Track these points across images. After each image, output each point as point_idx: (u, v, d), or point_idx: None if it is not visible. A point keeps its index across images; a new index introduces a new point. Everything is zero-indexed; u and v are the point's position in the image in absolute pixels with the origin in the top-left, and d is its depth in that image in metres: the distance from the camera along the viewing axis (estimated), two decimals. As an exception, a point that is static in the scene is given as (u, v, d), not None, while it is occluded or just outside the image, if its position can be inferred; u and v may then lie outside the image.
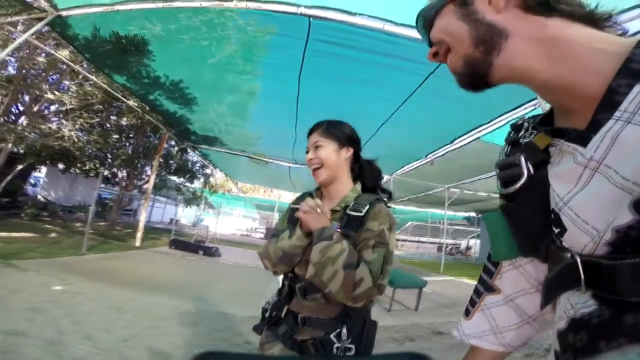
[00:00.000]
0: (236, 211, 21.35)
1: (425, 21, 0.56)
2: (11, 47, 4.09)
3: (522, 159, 0.50)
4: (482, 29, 0.47)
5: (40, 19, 3.86)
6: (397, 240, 25.54)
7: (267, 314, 1.11)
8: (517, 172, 0.50)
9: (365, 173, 1.20)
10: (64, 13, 3.86)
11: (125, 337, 2.80)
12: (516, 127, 0.60)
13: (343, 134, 1.14)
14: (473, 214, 19.23)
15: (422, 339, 3.89)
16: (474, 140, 6.42)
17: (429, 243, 26.30)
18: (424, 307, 5.33)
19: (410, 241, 28.81)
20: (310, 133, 1.15)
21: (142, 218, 8.44)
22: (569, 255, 0.44)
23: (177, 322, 3.37)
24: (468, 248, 26.59)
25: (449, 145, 6.97)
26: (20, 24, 4.54)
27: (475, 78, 0.50)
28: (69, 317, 3.00)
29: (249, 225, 21.40)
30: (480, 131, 6.02)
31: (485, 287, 0.67)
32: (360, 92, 4.89)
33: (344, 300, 0.91)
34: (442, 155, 7.48)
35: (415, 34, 3.54)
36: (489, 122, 5.62)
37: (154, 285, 4.81)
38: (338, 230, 1.01)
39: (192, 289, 4.90)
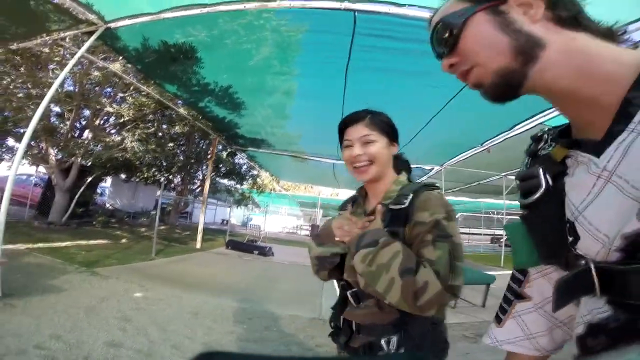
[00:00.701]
0: (281, 209, 21.84)
1: (450, 29, 0.51)
2: (72, 61, 4.17)
3: (541, 170, 0.51)
4: (523, 39, 0.46)
5: (90, 33, 4.00)
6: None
7: (331, 324, 1.05)
8: (536, 184, 0.51)
9: (398, 165, 1.07)
10: (112, 25, 3.96)
11: (207, 343, 2.95)
12: (536, 139, 0.61)
13: (391, 128, 1.01)
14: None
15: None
16: (537, 125, 5.95)
17: (486, 234, 24.97)
18: (490, 303, 5.06)
19: (461, 233, 27.36)
20: (348, 125, 1.00)
21: (201, 221, 8.90)
22: (583, 262, 0.46)
23: (251, 327, 3.48)
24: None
25: (508, 132, 6.55)
26: (67, 39, 4.71)
27: (507, 90, 0.49)
28: (154, 325, 3.20)
29: (294, 222, 21.80)
30: (544, 115, 5.55)
31: (515, 295, 0.68)
32: (409, 84, 4.70)
33: (409, 310, 0.78)
34: (499, 142, 7.06)
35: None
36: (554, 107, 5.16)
37: (222, 288, 5.04)
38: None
39: (256, 291, 5.07)
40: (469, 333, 3.76)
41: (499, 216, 22.18)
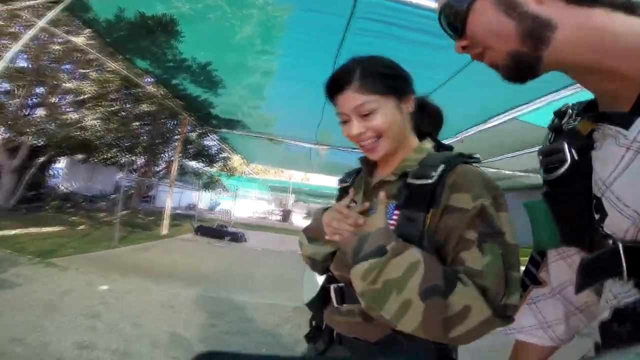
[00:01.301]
0: (251, 194, 21.36)
1: (455, 14, 0.50)
2: (30, 33, 3.75)
3: (565, 144, 0.49)
4: (529, 22, 0.44)
5: (57, 2, 3.56)
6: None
7: (312, 323, 0.88)
8: (561, 158, 0.49)
9: (423, 117, 0.82)
10: None
11: (187, 338, 2.77)
12: (559, 114, 0.59)
13: (395, 79, 0.72)
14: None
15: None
16: (510, 119, 6.23)
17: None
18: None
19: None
20: (336, 90, 0.71)
21: (168, 205, 8.41)
22: (610, 242, 0.43)
23: (235, 318, 3.34)
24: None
25: (482, 125, 6.80)
26: (26, 10, 4.17)
27: (522, 72, 0.48)
28: (126, 321, 2.95)
29: (265, 207, 21.44)
30: (518, 110, 5.82)
31: (532, 279, 0.65)
32: (399, 72, 4.66)
33: (434, 339, 0.57)
34: (473, 134, 7.32)
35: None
36: (528, 102, 5.42)
37: (195, 277, 4.79)
38: (395, 214, 0.65)
39: (232, 280, 4.91)
40: None
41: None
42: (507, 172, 11.32)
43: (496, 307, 0.54)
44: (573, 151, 0.48)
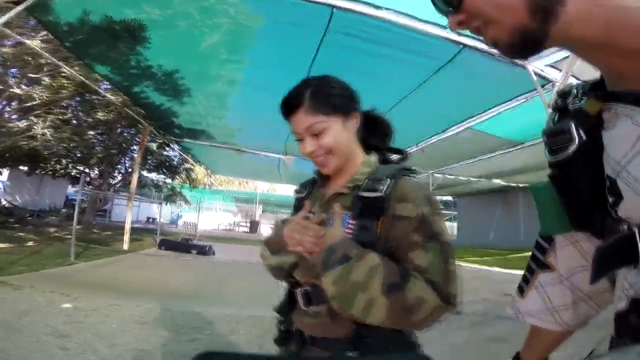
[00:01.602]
0: (215, 205, 20.73)
1: None
2: None
3: (572, 124, 0.47)
4: None
5: (16, 3, 3.37)
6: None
7: (281, 327, 0.89)
8: (568, 139, 0.47)
9: (373, 131, 0.89)
10: None
11: (170, 353, 2.67)
12: (563, 94, 0.56)
13: (341, 98, 0.80)
14: (449, 198, 20.08)
15: (446, 319, 4.04)
16: (465, 129, 6.69)
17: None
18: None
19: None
20: (289, 111, 0.78)
21: (129, 219, 7.94)
22: (625, 227, 0.41)
23: (215, 333, 3.25)
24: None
25: (440, 134, 7.23)
26: None
27: (527, 48, 0.45)
28: (100, 340, 2.78)
29: (230, 219, 20.86)
30: (473, 121, 6.28)
31: (538, 264, 0.63)
32: (367, 84, 4.81)
33: (398, 327, 0.68)
34: (433, 143, 7.76)
35: (434, 30, 3.59)
36: (482, 112, 5.87)
37: (165, 292, 4.59)
38: (350, 224, 0.73)
39: (206, 293, 4.76)
40: None
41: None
42: (462, 178, 12.15)
43: (443, 296, 0.64)
44: (581, 131, 0.46)
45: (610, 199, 0.43)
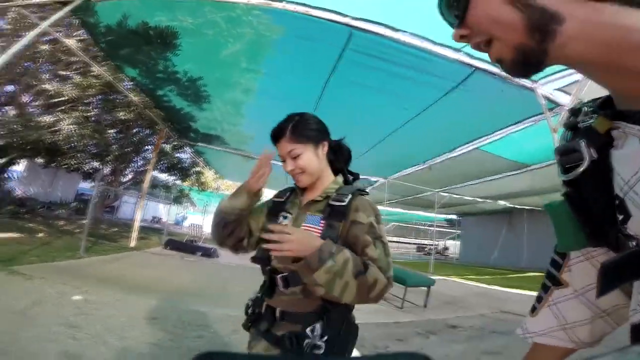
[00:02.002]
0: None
1: (455, 3, 0.48)
2: (33, 32, 3.52)
3: (583, 143, 0.48)
4: (536, 15, 0.42)
5: (63, 3, 3.52)
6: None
7: (249, 311, 1.07)
8: (578, 157, 0.48)
9: (337, 155, 1.17)
10: None
11: (178, 348, 2.76)
12: (574, 112, 0.55)
13: (315, 131, 1.07)
14: (454, 216, 20.02)
15: (442, 332, 4.14)
16: (473, 149, 6.78)
17: (413, 244, 26.94)
18: (430, 304, 5.57)
19: (392, 242, 29.46)
20: (276, 140, 1.07)
21: (138, 217, 8.11)
22: (634, 243, 0.43)
23: (219, 331, 3.33)
24: (445, 248, 27.63)
25: (449, 153, 7.33)
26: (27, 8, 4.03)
27: (527, 67, 0.46)
28: (110, 332, 2.87)
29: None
30: (481, 141, 6.38)
31: (553, 281, 0.63)
32: (381, 101, 5.03)
33: (360, 303, 0.90)
34: (441, 162, 7.86)
35: (448, 52, 3.76)
36: (490, 134, 5.97)
37: (172, 290, 4.70)
38: (321, 223, 0.98)
39: (211, 294, 4.86)
40: (420, 330, 4.12)
41: (426, 227, 24.38)
42: (468, 197, 12.19)
43: (387, 277, 0.89)
44: (592, 150, 0.47)
45: (620, 217, 0.44)
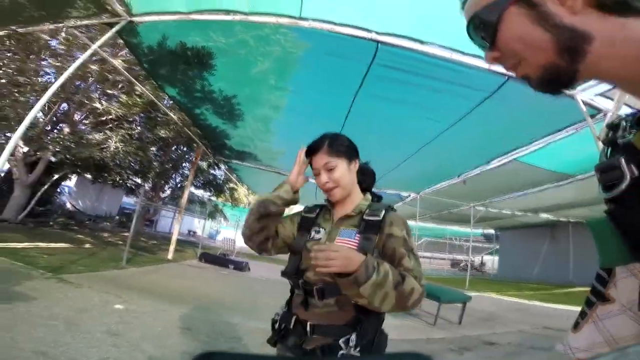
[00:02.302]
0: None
1: (485, 26, 0.48)
2: (86, 54, 3.81)
3: (622, 160, 0.47)
4: (566, 35, 0.42)
5: (109, 25, 3.78)
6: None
7: (276, 326, 1.07)
8: (619, 175, 0.47)
9: (365, 175, 1.22)
10: (137, 19, 3.78)
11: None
12: (612, 127, 0.55)
13: (348, 149, 1.13)
14: (491, 231, 19.08)
15: (478, 348, 3.94)
16: (510, 161, 6.49)
17: (448, 259, 25.93)
18: (465, 321, 5.32)
19: (424, 257, 28.45)
20: (313, 153, 1.12)
21: (176, 231, 8.50)
22: None
23: (250, 343, 3.38)
24: (482, 264, 26.27)
25: (484, 166, 7.06)
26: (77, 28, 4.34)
27: (557, 84, 0.47)
28: (147, 341, 2.99)
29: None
30: (518, 152, 6.10)
31: (598, 296, 0.62)
32: (410, 114, 4.97)
33: (399, 312, 0.94)
34: (476, 175, 7.58)
35: (478, 62, 3.68)
36: (528, 144, 5.70)
37: (206, 302, 4.83)
38: (357, 236, 1.02)
39: (242, 306, 4.93)
40: (453, 346, 3.93)
41: (460, 243, 23.38)
42: (506, 211, 11.60)
43: (421, 285, 0.94)
44: (632, 167, 0.46)
45: None
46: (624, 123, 0.53)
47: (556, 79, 0.45)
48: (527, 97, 4.02)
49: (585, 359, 0.62)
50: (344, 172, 1.09)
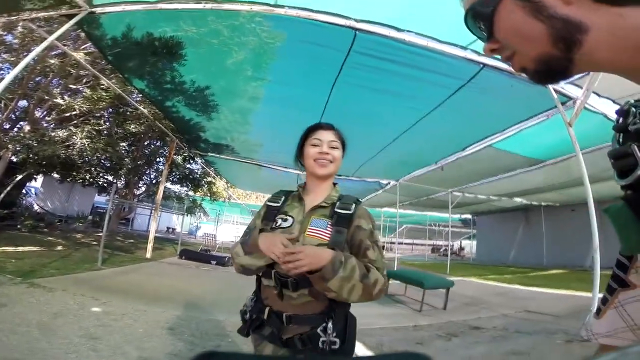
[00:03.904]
0: (233, 218, 21.11)
1: (480, 18, 0.49)
2: (41, 47, 3.63)
3: (635, 147, 0.47)
4: (559, 25, 0.42)
5: (68, 16, 3.58)
6: (392, 242, 25.91)
7: (247, 317, 1.09)
8: (632, 162, 0.48)
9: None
10: (98, 10, 3.61)
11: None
12: (622, 113, 0.55)
13: (345, 143, 1.24)
14: (468, 216, 19.70)
15: (464, 334, 4.03)
16: (485, 147, 6.67)
17: (429, 245, 26.62)
18: (450, 306, 5.45)
19: (406, 244, 29.12)
20: (320, 129, 1.20)
21: (153, 228, 8.24)
22: None
23: (238, 340, 3.30)
24: (461, 249, 27.20)
25: (460, 152, 7.22)
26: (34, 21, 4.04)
27: (554, 74, 0.47)
28: (129, 343, 2.88)
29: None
30: (493, 139, 6.27)
31: (619, 283, 0.62)
32: (389, 102, 5.00)
33: (365, 301, 0.99)
34: (452, 161, 7.76)
35: (455, 50, 3.72)
36: (502, 130, 5.86)
37: (188, 300, 4.71)
38: (329, 227, 1.07)
39: (226, 302, 4.83)
40: (441, 332, 4.02)
41: (440, 228, 24.04)
42: (482, 196, 11.98)
43: (384, 276, 1.02)
44: None
45: None
46: (633, 109, 0.53)
47: (552, 70, 0.45)
48: (501, 85, 4.12)
49: (608, 345, 0.62)
50: (340, 156, 1.20)
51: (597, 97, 4.14)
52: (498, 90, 4.31)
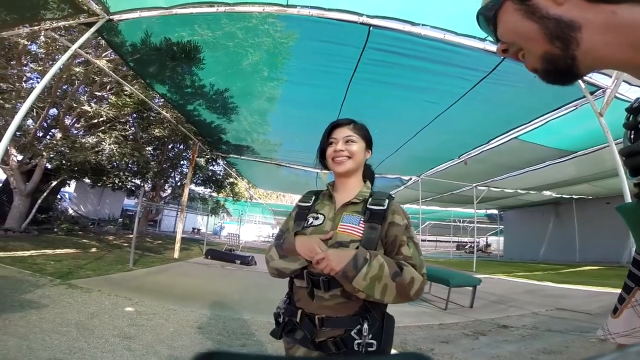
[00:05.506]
0: (255, 218, 21.45)
1: (487, 22, 0.52)
2: (65, 56, 3.74)
3: None
4: (552, 25, 0.43)
5: (87, 24, 3.69)
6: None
7: (280, 319, 1.06)
8: None
9: (366, 169, 1.25)
10: (116, 17, 3.71)
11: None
12: (632, 111, 0.55)
13: (368, 137, 1.19)
14: (494, 211, 19.10)
15: (492, 332, 3.94)
16: (511, 139, 6.46)
17: (453, 242, 26.02)
18: (477, 304, 5.32)
19: (430, 240, 28.55)
20: (336, 127, 1.16)
21: (180, 230, 8.52)
22: None
23: (262, 339, 3.37)
24: (488, 245, 26.39)
25: (484, 145, 7.03)
26: (55, 30, 4.21)
27: (561, 73, 0.47)
28: (160, 342, 2.99)
29: (268, 231, 21.48)
30: (519, 131, 6.06)
31: (636, 281, 0.62)
32: (407, 97, 4.92)
33: (403, 302, 0.94)
34: (476, 155, 7.55)
35: (473, 42, 3.61)
36: (528, 122, 5.65)
37: (215, 299, 4.84)
38: (362, 223, 1.03)
39: (251, 301, 4.94)
40: (467, 331, 3.94)
41: (464, 224, 23.45)
42: (509, 190, 11.57)
43: (422, 274, 0.96)
44: None
45: None
46: None
47: (559, 69, 0.46)
48: (525, 76, 3.95)
49: (625, 345, 0.61)
50: (360, 150, 1.14)
51: (628, 86, 3.95)
52: (522, 82, 4.16)
